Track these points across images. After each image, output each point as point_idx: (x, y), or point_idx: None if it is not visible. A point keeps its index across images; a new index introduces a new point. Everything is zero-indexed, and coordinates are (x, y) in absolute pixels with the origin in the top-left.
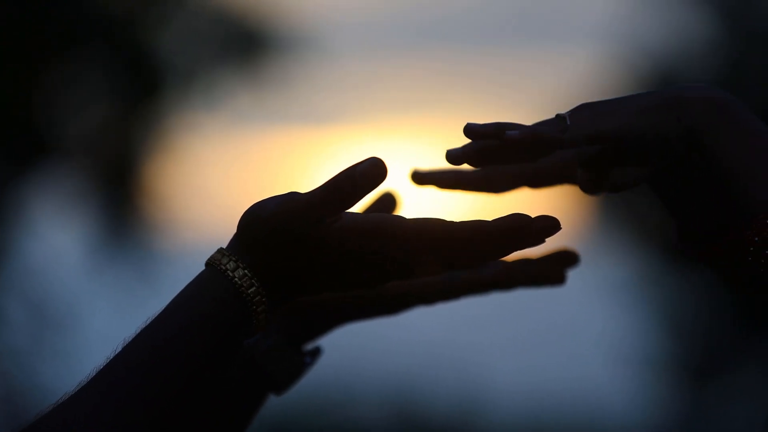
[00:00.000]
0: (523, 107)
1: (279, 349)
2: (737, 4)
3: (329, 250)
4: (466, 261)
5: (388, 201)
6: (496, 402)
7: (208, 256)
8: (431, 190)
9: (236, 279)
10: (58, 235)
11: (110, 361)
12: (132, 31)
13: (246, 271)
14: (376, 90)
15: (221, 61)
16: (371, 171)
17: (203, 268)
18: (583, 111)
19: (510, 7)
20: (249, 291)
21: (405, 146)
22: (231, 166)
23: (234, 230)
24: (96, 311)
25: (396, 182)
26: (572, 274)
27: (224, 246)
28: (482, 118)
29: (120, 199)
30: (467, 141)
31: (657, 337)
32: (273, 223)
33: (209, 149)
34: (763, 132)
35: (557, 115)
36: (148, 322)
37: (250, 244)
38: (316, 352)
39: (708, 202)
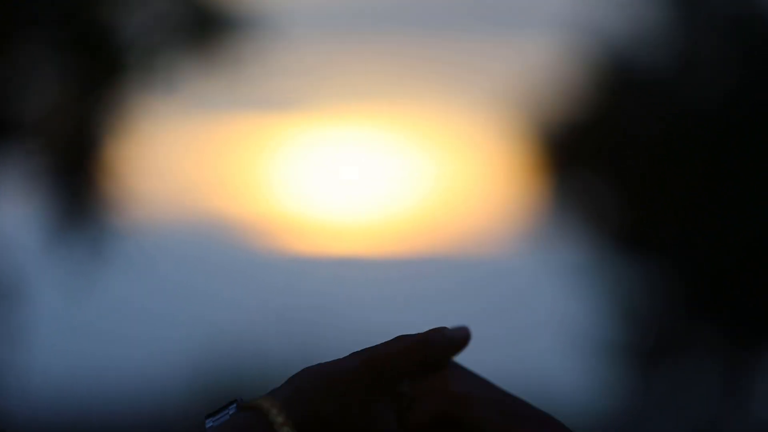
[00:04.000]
0: (481, 92)
1: None
2: None
3: None
4: None
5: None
6: None
7: (250, 399)
8: None
9: None
10: (11, 213)
11: None
12: (91, 12)
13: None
14: (332, 75)
15: (180, 44)
16: (462, 335)
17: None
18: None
19: None
20: None
21: (360, 132)
22: (187, 149)
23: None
24: (49, 287)
25: (352, 169)
26: (527, 257)
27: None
28: (439, 105)
29: (75, 178)
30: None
31: (608, 321)
32: (351, 379)
33: (166, 131)
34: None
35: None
36: None
37: (311, 402)
38: None
39: None
